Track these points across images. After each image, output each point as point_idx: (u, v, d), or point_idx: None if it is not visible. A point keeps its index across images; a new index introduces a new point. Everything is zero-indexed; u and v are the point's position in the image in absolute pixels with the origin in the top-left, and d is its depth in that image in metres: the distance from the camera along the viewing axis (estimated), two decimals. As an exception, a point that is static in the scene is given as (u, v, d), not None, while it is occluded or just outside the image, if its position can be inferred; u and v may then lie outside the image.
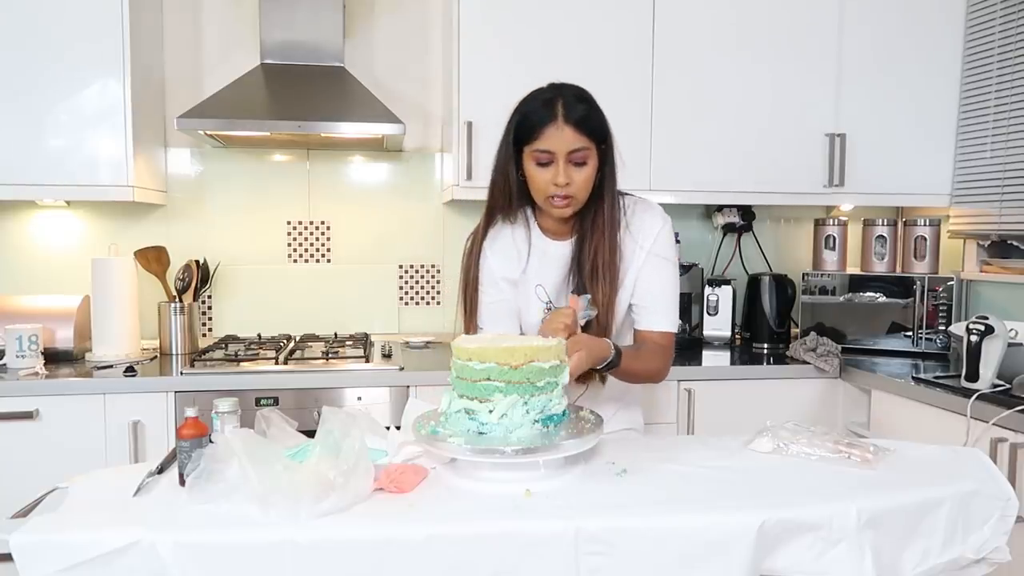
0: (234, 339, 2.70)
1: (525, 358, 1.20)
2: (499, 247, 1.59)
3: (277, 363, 2.33)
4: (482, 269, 1.60)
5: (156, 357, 2.51)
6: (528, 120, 1.46)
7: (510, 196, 1.53)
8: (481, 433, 1.20)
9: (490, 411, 1.20)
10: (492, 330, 1.59)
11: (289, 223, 2.86)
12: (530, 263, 1.58)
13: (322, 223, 2.87)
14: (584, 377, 1.42)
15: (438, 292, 2.95)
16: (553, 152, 1.44)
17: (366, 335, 2.78)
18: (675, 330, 1.61)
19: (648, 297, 1.57)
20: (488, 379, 1.20)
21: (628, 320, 1.61)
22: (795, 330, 2.86)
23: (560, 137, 1.43)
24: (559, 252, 1.57)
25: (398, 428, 1.38)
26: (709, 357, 2.66)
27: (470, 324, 1.62)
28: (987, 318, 2.05)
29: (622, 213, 1.55)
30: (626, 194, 1.59)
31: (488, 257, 1.59)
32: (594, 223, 1.52)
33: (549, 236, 1.59)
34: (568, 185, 1.45)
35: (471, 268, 1.60)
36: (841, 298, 2.78)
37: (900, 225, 2.83)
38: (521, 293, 1.59)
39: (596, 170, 1.48)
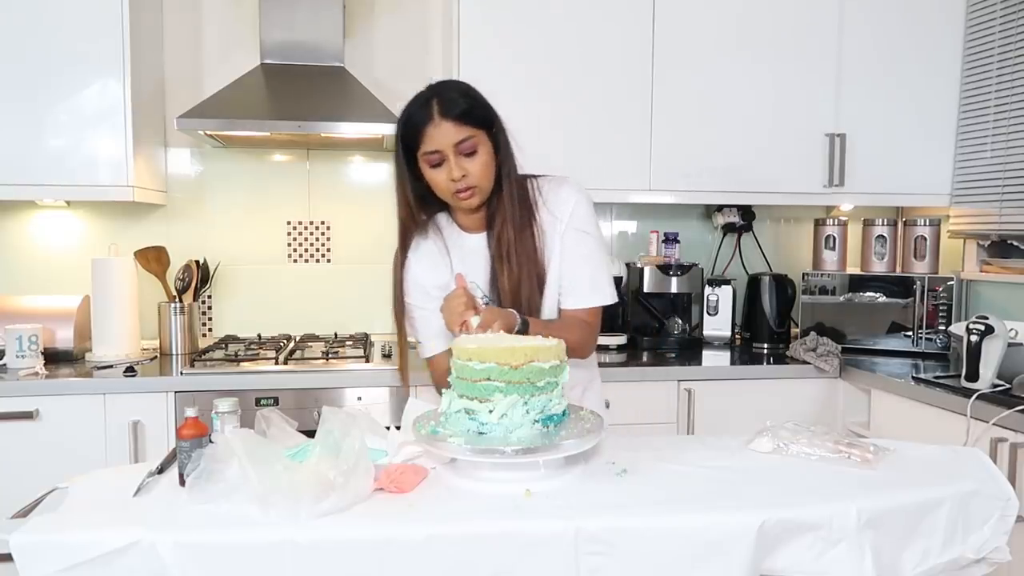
0: (234, 339, 2.70)
1: (525, 358, 1.20)
2: (422, 255, 1.58)
3: (277, 363, 2.33)
4: (410, 284, 1.59)
5: (156, 357, 2.51)
6: (409, 126, 1.46)
7: (412, 208, 1.53)
8: (481, 433, 1.20)
9: (490, 411, 1.20)
10: (433, 343, 1.59)
11: (289, 223, 2.86)
12: (453, 263, 1.56)
13: (322, 223, 2.87)
14: None
15: (438, 292, 2.94)
16: (440, 150, 1.44)
17: (366, 335, 2.78)
18: (601, 303, 1.59)
19: (568, 274, 1.57)
20: (488, 379, 1.20)
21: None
22: (795, 330, 2.86)
23: (440, 133, 1.43)
24: (477, 245, 1.57)
25: (398, 428, 1.38)
26: (709, 357, 2.66)
27: (405, 345, 1.62)
28: (987, 318, 2.05)
29: (537, 193, 1.56)
30: (538, 176, 1.59)
31: (414, 270, 1.58)
32: (499, 208, 1.52)
33: (468, 231, 1.59)
34: (465, 177, 1.45)
35: (398, 286, 1.60)
36: (841, 298, 2.77)
37: (900, 225, 2.83)
38: None
39: (492, 156, 1.48)
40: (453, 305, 1.42)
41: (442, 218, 1.60)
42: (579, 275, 1.57)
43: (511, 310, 1.45)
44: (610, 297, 1.60)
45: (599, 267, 1.59)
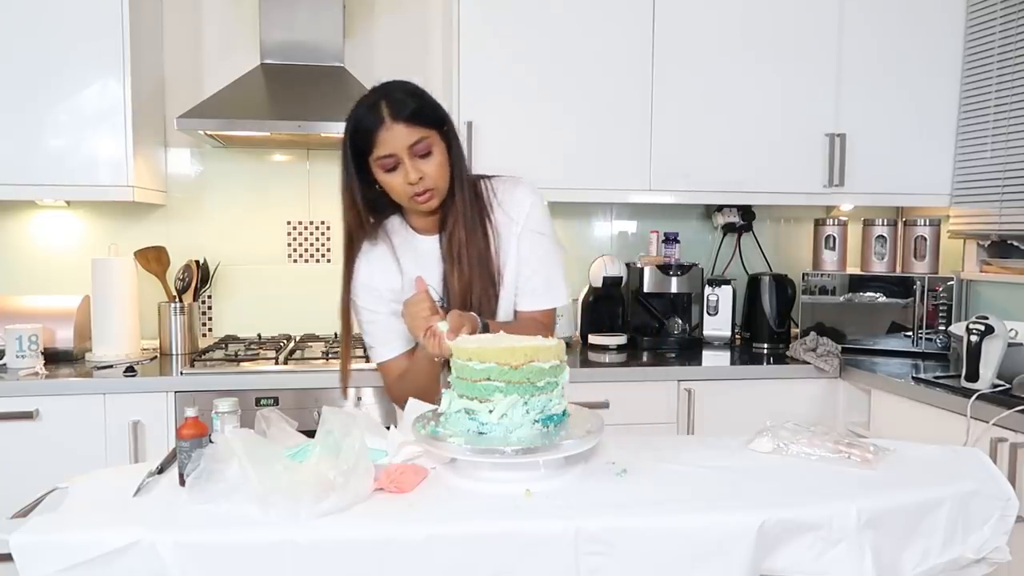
0: (234, 339, 2.70)
1: (525, 358, 1.19)
2: (374, 259, 1.54)
3: (277, 363, 2.33)
4: (361, 288, 1.54)
5: (156, 357, 2.51)
6: (359, 131, 1.41)
7: (361, 215, 1.49)
8: (481, 433, 1.20)
9: (490, 411, 1.20)
10: (387, 348, 1.56)
11: (289, 223, 2.86)
12: (406, 267, 1.52)
13: (322, 223, 2.87)
14: None
15: (438, 292, 2.95)
16: (394, 153, 1.40)
17: (366, 335, 2.77)
18: (556, 304, 1.59)
19: (524, 277, 1.55)
20: (488, 379, 1.19)
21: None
22: (795, 330, 2.86)
23: (393, 136, 1.39)
24: (430, 247, 1.53)
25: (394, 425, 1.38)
26: (709, 357, 2.66)
27: (348, 349, 1.59)
28: (987, 318, 2.05)
29: (491, 194, 1.53)
30: (491, 176, 1.57)
31: (365, 272, 1.54)
32: (451, 209, 1.49)
33: (422, 233, 1.55)
34: (422, 179, 1.41)
35: (346, 291, 1.55)
36: (841, 298, 2.78)
37: (900, 225, 2.83)
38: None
39: (446, 156, 1.45)
40: (416, 310, 1.40)
41: (395, 220, 1.56)
42: (535, 277, 1.56)
43: (473, 314, 1.43)
44: (564, 298, 1.61)
45: (554, 268, 1.58)
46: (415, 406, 1.40)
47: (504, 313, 1.57)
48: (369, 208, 1.50)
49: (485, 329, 1.42)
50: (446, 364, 1.44)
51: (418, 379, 1.51)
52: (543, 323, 1.58)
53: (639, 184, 2.64)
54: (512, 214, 1.54)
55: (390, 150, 1.40)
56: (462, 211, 1.48)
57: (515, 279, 1.56)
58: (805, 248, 3.08)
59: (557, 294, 1.59)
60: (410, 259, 1.53)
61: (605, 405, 2.32)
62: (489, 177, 1.57)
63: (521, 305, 1.58)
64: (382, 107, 1.39)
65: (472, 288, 1.49)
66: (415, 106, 1.41)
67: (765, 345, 2.81)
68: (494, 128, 2.53)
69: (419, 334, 1.39)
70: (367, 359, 2.38)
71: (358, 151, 1.43)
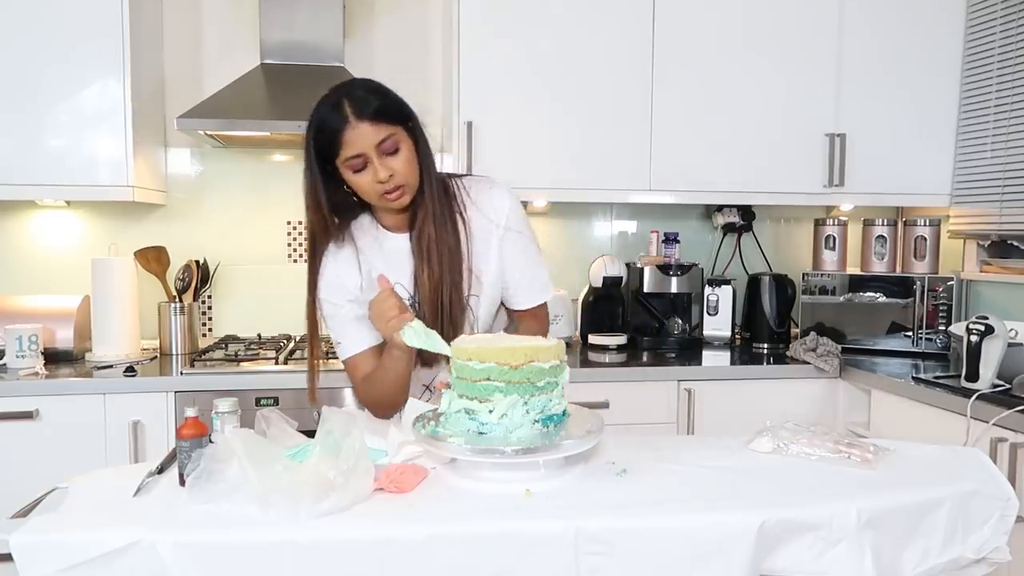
0: (234, 339, 2.70)
1: (525, 358, 1.19)
2: (342, 258, 1.50)
3: (277, 363, 2.33)
4: (328, 283, 1.50)
5: (156, 357, 2.51)
6: (323, 133, 1.37)
7: (326, 217, 1.45)
8: (481, 433, 1.20)
9: (490, 411, 1.20)
10: (352, 344, 1.52)
11: (289, 223, 2.86)
12: (377, 265, 1.49)
13: (322, 223, 2.87)
14: (432, 358, 1.46)
15: (438, 292, 2.94)
16: (362, 153, 1.36)
17: (366, 335, 2.77)
18: (548, 297, 1.63)
19: (516, 277, 1.57)
20: (488, 379, 1.20)
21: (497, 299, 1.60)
22: (795, 330, 2.86)
23: (359, 136, 1.35)
24: (401, 245, 1.51)
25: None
26: (709, 357, 2.66)
27: (317, 353, 1.56)
28: (987, 318, 2.05)
29: (463, 193, 1.53)
30: (460, 175, 1.57)
31: (331, 269, 1.50)
32: (421, 204, 1.47)
33: (392, 231, 1.53)
34: (392, 176, 1.38)
35: (312, 290, 1.51)
36: (841, 298, 2.77)
37: (900, 225, 2.83)
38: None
39: (414, 152, 1.43)
40: (384, 309, 1.37)
41: (364, 219, 1.53)
42: (528, 276, 1.58)
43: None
44: (552, 291, 1.65)
45: (540, 266, 1.61)
46: (415, 406, 1.40)
47: (485, 313, 1.57)
48: (335, 210, 1.47)
49: None
50: (419, 358, 1.45)
51: (385, 382, 1.47)
52: (541, 317, 1.63)
53: (639, 184, 2.64)
54: (491, 215, 1.53)
55: (357, 150, 1.36)
56: (431, 207, 1.46)
57: (498, 280, 1.56)
58: (805, 248, 3.08)
59: (547, 288, 1.63)
60: (379, 257, 1.51)
61: (605, 405, 2.32)
62: (459, 176, 1.57)
63: (517, 304, 1.60)
64: (345, 106, 1.36)
65: (443, 285, 1.47)
66: (379, 103, 1.38)
67: (765, 345, 2.81)
68: (494, 128, 2.53)
69: (389, 333, 1.37)
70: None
71: (322, 153, 1.39)
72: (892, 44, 2.71)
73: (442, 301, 1.47)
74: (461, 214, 1.51)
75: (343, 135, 1.35)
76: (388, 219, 1.53)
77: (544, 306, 1.64)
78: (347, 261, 1.51)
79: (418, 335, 1.34)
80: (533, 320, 1.60)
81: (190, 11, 2.74)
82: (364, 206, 1.52)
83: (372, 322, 1.41)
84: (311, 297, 1.51)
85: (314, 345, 1.56)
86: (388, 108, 1.39)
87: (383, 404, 1.52)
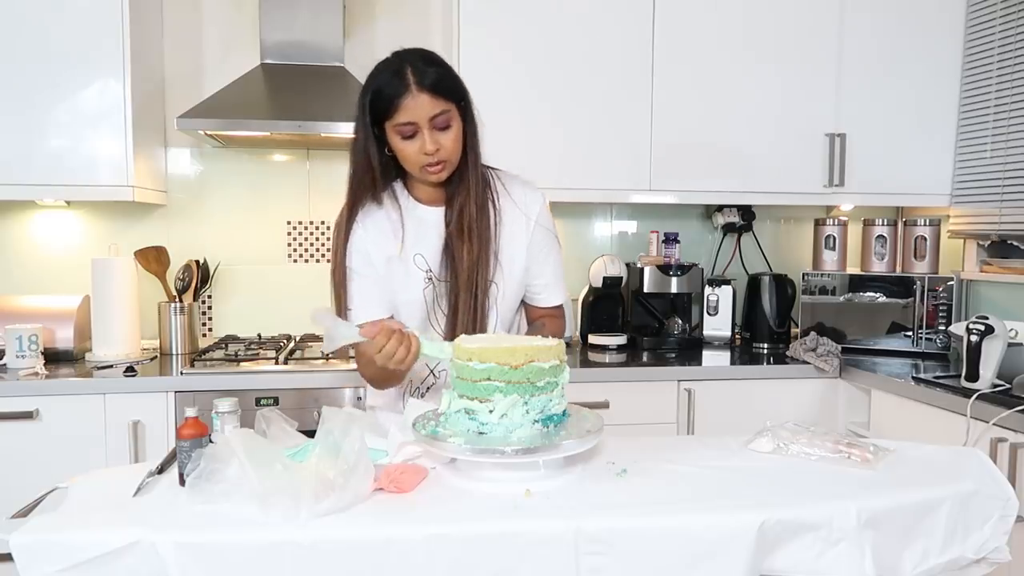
0: (234, 339, 2.70)
1: (525, 358, 1.20)
2: (372, 224, 1.52)
3: (277, 363, 2.33)
4: (353, 252, 1.52)
5: (156, 357, 2.51)
6: (382, 95, 1.40)
7: (375, 178, 1.48)
8: (481, 433, 1.20)
9: (490, 411, 1.20)
10: (363, 312, 1.50)
11: (289, 223, 2.86)
12: (406, 235, 1.52)
13: (322, 223, 2.87)
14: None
15: (438, 292, 2.95)
16: (415, 122, 1.40)
17: (366, 335, 2.77)
18: (564, 299, 1.67)
19: (545, 272, 1.60)
20: (488, 379, 1.20)
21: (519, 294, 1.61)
22: (795, 330, 2.86)
23: (417, 105, 1.39)
24: (434, 218, 1.53)
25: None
26: (709, 357, 2.66)
27: (341, 312, 1.56)
28: (987, 318, 2.05)
29: (498, 182, 1.56)
30: (495, 168, 1.59)
31: (361, 238, 1.52)
32: (461, 182, 1.50)
33: (423, 204, 1.55)
34: (438, 151, 1.42)
35: (338, 253, 1.53)
36: (841, 298, 2.77)
37: (900, 225, 2.83)
38: (399, 269, 1.53)
39: (462, 130, 1.47)
40: (388, 351, 1.31)
41: (397, 187, 1.55)
42: (554, 276, 1.63)
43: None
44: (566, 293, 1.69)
45: (560, 266, 1.65)
46: (415, 406, 1.40)
47: (507, 308, 1.57)
48: (382, 172, 1.50)
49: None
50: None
51: (384, 372, 1.42)
52: (561, 316, 1.67)
53: (639, 184, 2.64)
54: (524, 208, 1.57)
55: (411, 118, 1.39)
56: (473, 188, 1.50)
57: (522, 274, 1.58)
58: (805, 248, 3.08)
59: (563, 289, 1.66)
60: (411, 227, 1.52)
61: (605, 405, 2.32)
62: (495, 168, 1.60)
63: (543, 301, 1.63)
64: (408, 73, 1.39)
65: (478, 264, 1.49)
66: (439, 77, 1.41)
67: (765, 345, 2.81)
68: (494, 128, 2.49)
69: (407, 367, 1.34)
70: (367, 359, 2.40)
71: (376, 114, 1.42)
72: (892, 44, 2.71)
73: (476, 280, 1.49)
74: (494, 201, 1.53)
75: (401, 101, 1.38)
76: (421, 191, 1.55)
77: (562, 308, 1.67)
78: (378, 226, 1.52)
79: (434, 346, 1.35)
80: (555, 319, 1.64)
81: (190, 11, 2.74)
82: (399, 173, 1.54)
83: (382, 364, 1.33)
84: (338, 256, 1.54)
85: (341, 304, 1.55)
86: (447, 84, 1.43)
87: (378, 383, 1.56)
